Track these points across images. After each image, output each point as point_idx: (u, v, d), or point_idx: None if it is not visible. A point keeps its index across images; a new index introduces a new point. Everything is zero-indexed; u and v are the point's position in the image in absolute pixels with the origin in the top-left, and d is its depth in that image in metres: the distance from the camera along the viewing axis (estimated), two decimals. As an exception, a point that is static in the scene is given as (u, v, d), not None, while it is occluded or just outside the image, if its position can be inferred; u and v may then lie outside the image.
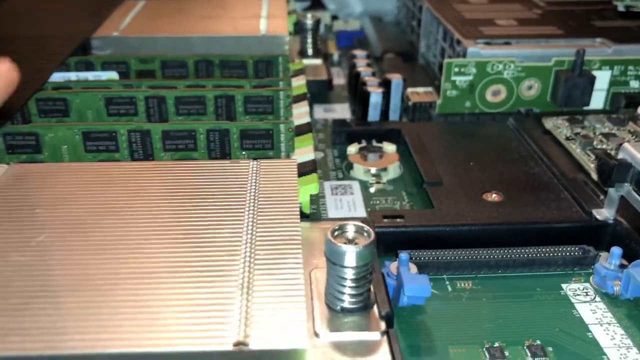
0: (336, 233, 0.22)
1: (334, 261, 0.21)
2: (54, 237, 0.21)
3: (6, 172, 0.25)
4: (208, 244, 0.21)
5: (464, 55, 0.40)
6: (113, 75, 0.39)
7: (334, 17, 0.63)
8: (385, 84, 0.40)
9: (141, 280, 0.19)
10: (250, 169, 0.26)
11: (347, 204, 0.33)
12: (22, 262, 0.20)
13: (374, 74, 0.42)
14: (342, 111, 0.45)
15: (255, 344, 0.17)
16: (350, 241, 0.22)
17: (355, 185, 0.35)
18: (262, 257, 0.20)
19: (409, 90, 0.42)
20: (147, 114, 0.34)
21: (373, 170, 0.35)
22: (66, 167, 0.27)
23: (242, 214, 0.22)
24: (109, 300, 0.18)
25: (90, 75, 0.39)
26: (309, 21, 0.48)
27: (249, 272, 0.19)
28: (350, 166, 0.36)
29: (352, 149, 0.37)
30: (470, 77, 0.39)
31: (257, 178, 0.25)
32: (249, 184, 0.24)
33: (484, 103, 0.39)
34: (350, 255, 0.21)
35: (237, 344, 0.17)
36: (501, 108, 0.40)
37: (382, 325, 0.22)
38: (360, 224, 0.22)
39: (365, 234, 0.22)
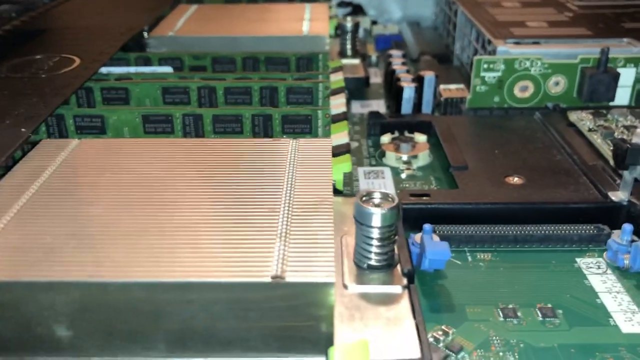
0: (364, 198, 0.25)
1: (361, 222, 0.24)
2: (121, 195, 0.24)
3: (79, 145, 0.29)
4: (252, 203, 0.24)
5: (494, 54, 0.42)
6: (168, 69, 0.43)
7: (374, 22, 0.66)
8: (419, 80, 0.43)
9: (195, 228, 0.22)
10: (290, 146, 0.29)
11: (378, 186, 0.36)
12: (96, 213, 0.23)
13: (408, 71, 0.45)
14: (377, 106, 0.47)
15: (290, 277, 0.19)
16: (376, 205, 0.24)
17: (387, 171, 0.37)
18: (298, 213, 0.23)
19: (442, 86, 0.45)
20: (199, 102, 0.38)
21: (404, 157, 0.38)
22: (129, 142, 0.30)
23: (282, 181, 0.25)
24: (168, 241, 0.21)
25: (147, 70, 0.43)
26: (348, 24, 0.51)
27: (286, 224, 0.22)
28: (382, 154, 0.39)
29: (385, 138, 0.40)
30: (499, 74, 0.41)
31: (296, 153, 0.28)
32: (288, 158, 0.28)
33: (512, 98, 0.42)
34: (376, 216, 0.24)
35: (274, 277, 0.19)
36: (529, 103, 0.42)
37: (404, 280, 0.24)
38: (386, 191, 0.25)
39: (390, 199, 0.25)
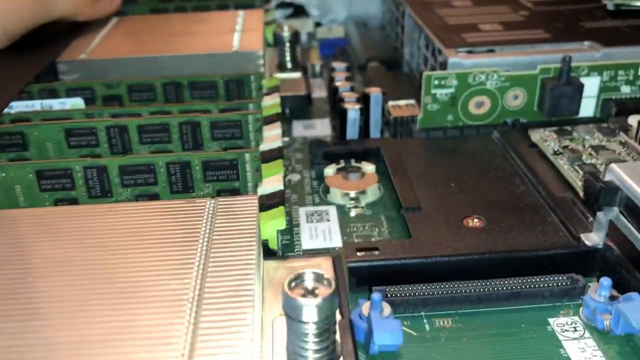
0: (294, 283, 0.20)
1: (292, 316, 0.20)
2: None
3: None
4: (152, 302, 0.19)
5: (445, 66, 0.38)
6: (78, 102, 0.38)
7: (318, 24, 0.61)
8: (365, 99, 0.39)
9: (75, 351, 0.17)
10: (207, 210, 0.24)
11: (322, 232, 0.31)
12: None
13: (352, 89, 0.40)
14: (322, 127, 0.43)
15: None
16: (309, 292, 0.20)
17: (332, 211, 0.33)
18: (207, 319, 0.18)
19: (390, 103, 0.40)
20: (109, 144, 0.32)
21: (352, 193, 0.33)
22: (4, 214, 0.25)
23: (192, 264, 0.21)
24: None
25: (55, 103, 0.37)
26: (285, 33, 0.46)
27: (192, 336, 0.18)
28: (327, 190, 0.34)
29: (330, 170, 0.35)
30: (452, 90, 0.37)
31: (213, 220, 0.23)
32: (202, 228, 0.23)
33: (468, 116, 0.37)
34: (309, 310, 0.19)
35: None
36: (486, 120, 0.38)
37: (348, 382, 0.20)
38: (320, 271, 0.20)
39: (325, 282, 0.20)
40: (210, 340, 0.18)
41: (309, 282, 0.20)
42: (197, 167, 0.29)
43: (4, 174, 0.28)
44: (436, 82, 0.37)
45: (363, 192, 0.34)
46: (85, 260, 0.21)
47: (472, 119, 0.38)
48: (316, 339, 0.20)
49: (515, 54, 0.39)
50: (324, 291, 0.20)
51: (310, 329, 0.20)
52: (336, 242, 0.30)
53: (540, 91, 0.37)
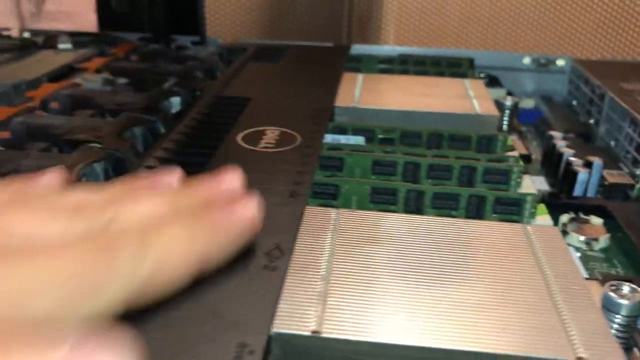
0: (613, 287, 0.29)
1: (610, 309, 0.29)
2: (398, 267, 0.29)
3: (339, 216, 0.34)
4: (515, 285, 0.28)
5: (659, 147, 0.47)
6: (360, 140, 0.49)
7: (509, 94, 0.71)
8: (587, 164, 0.47)
9: (477, 302, 0.27)
10: (523, 231, 0.33)
11: (568, 265, 0.40)
12: (390, 280, 0.28)
13: (577, 155, 0.49)
14: (539, 182, 0.52)
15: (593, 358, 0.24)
16: (623, 296, 0.29)
17: (572, 251, 0.41)
18: (563, 298, 0.27)
19: (605, 171, 0.49)
20: (402, 175, 0.43)
21: (586, 239, 0.42)
22: (382, 215, 0.35)
23: (530, 264, 0.30)
24: (466, 313, 0.26)
25: (342, 138, 0.48)
26: (508, 102, 0.56)
27: (555, 305, 0.27)
28: (565, 233, 0.43)
29: (564, 218, 0.44)
30: (669, 167, 0.45)
31: (532, 239, 0.33)
32: (527, 244, 0.32)
33: (679, 190, 0.45)
34: (623, 306, 0.28)
35: (578, 358, 0.24)
36: (695, 195, 0.45)
37: (646, 364, 0.28)
38: (634, 286, 0.29)
39: (636, 293, 0.29)
40: (573, 314, 0.27)
41: (625, 291, 0.29)
42: (490, 201, 0.39)
43: (348, 187, 0.39)
44: (657, 159, 0.45)
45: (596, 240, 0.42)
46: (448, 254, 0.31)
47: (682, 193, 0.46)
48: (624, 329, 0.29)
49: None
50: (633, 297, 0.29)
51: (621, 321, 0.28)
52: (582, 273, 0.39)
53: None
